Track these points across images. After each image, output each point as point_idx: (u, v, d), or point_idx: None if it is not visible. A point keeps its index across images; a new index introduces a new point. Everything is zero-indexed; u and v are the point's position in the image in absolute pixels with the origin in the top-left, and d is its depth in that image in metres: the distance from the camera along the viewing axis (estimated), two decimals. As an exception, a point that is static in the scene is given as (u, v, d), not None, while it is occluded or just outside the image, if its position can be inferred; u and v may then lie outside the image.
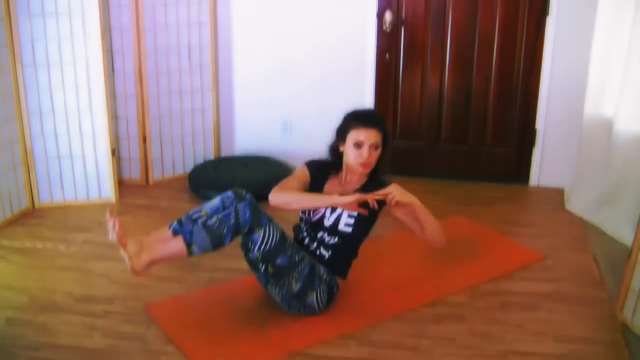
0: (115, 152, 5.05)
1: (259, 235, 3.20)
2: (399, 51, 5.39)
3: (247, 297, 3.67)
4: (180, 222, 3.29)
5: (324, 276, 3.39)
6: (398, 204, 3.34)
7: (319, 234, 3.50)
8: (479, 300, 3.67)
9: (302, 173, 3.58)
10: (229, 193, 3.32)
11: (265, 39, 5.59)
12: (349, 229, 3.46)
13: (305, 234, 3.55)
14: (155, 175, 5.47)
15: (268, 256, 3.23)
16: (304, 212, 3.57)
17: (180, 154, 5.57)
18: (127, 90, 5.25)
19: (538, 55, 5.13)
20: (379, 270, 3.93)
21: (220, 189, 4.86)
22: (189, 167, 5.60)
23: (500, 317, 3.50)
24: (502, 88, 5.30)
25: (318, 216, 3.50)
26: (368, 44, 5.39)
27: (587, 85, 4.72)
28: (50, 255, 4.20)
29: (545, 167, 5.36)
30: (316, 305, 3.40)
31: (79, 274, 3.96)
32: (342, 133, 3.49)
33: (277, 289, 3.34)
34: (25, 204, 4.83)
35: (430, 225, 3.48)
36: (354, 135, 3.41)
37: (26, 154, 4.78)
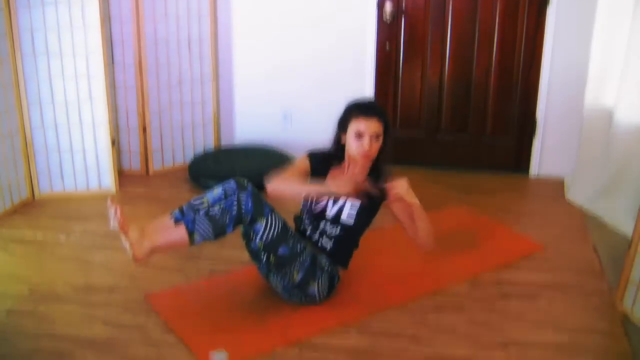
0: (115, 143, 5.05)
1: (261, 225, 3.20)
2: (399, 42, 5.38)
3: (247, 286, 3.67)
4: (181, 210, 3.29)
5: (326, 266, 3.39)
6: (398, 199, 3.35)
7: (321, 225, 3.50)
8: (479, 290, 3.67)
9: (302, 163, 3.58)
10: (231, 182, 3.32)
11: (266, 30, 5.59)
12: (351, 220, 3.46)
13: (307, 224, 3.55)
14: (155, 165, 5.47)
15: (270, 246, 3.22)
16: (306, 202, 3.57)
17: (180, 145, 5.57)
18: (127, 81, 5.24)
19: (538, 45, 5.13)
20: (380, 260, 3.93)
21: (220, 180, 4.86)
22: (189, 157, 5.60)
23: (500, 307, 3.51)
24: (502, 78, 5.29)
25: (320, 207, 3.50)
26: (368, 35, 5.38)
27: (588, 76, 4.72)
28: (51, 246, 4.20)
29: (546, 157, 5.36)
30: (317, 295, 3.41)
31: (79, 264, 3.96)
32: (343, 124, 3.49)
33: (278, 279, 3.34)
34: (25, 194, 4.83)
35: (425, 230, 3.46)
36: (355, 126, 3.41)
37: (26, 144, 4.78)
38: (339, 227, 3.47)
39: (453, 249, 4.09)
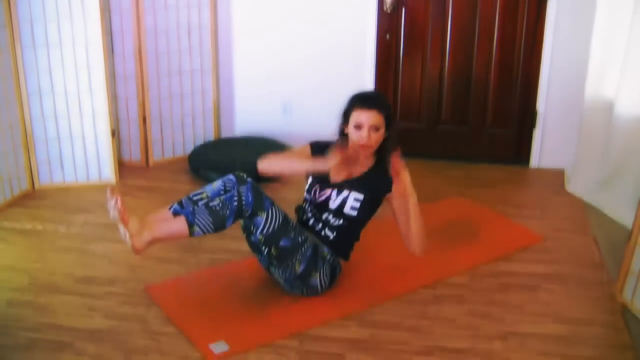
0: (115, 133, 5.04)
1: (261, 218, 3.20)
2: (399, 32, 5.37)
3: (247, 278, 3.68)
4: (180, 203, 3.30)
5: (327, 257, 3.40)
6: (402, 189, 3.34)
7: (324, 215, 3.50)
8: (478, 282, 3.68)
9: (302, 149, 3.60)
10: (230, 176, 3.33)
11: (266, 21, 5.57)
12: (354, 212, 3.46)
13: (310, 214, 3.55)
14: (155, 156, 5.46)
15: (271, 238, 3.22)
16: (309, 192, 3.58)
17: (180, 135, 5.57)
18: (127, 71, 5.23)
19: (539, 37, 5.12)
20: (380, 251, 3.93)
21: (220, 170, 4.87)
22: (189, 148, 5.59)
23: (500, 298, 3.51)
24: (503, 69, 5.28)
25: (324, 197, 3.50)
26: (368, 25, 5.37)
27: (588, 67, 4.71)
28: (51, 237, 4.20)
29: (546, 148, 5.36)
30: (319, 286, 3.41)
31: (79, 255, 3.96)
32: (346, 115, 3.49)
33: (280, 271, 3.34)
34: (25, 185, 4.83)
35: (417, 226, 3.43)
36: (355, 117, 3.41)
37: (26, 135, 4.77)
38: (342, 219, 3.47)
39: (453, 241, 4.10)
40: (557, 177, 5.18)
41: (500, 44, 5.22)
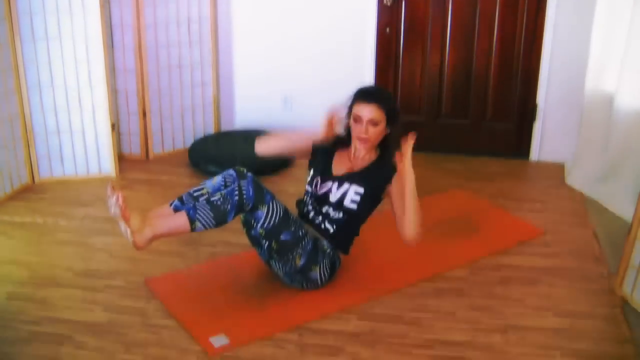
0: (115, 127, 5.04)
1: (262, 212, 3.19)
2: (399, 25, 5.36)
3: (247, 271, 3.68)
4: (181, 199, 3.30)
5: (327, 251, 3.40)
6: (402, 163, 3.34)
7: (324, 209, 3.50)
8: (479, 275, 3.68)
9: (302, 135, 3.66)
10: (230, 171, 3.34)
11: (266, 15, 5.56)
12: (354, 206, 3.45)
13: (310, 207, 3.55)
14: (155, 149, 5.46)
15: (272, 232, 3.22)
16: (310, 185, 3.58)
17: (180, 129, 5.56)
18: (127, 65, 5.23)
19: (539, 30, 5.10)
20: (379, 245, 3.93)
21: (220, 164, 4.88)
22: (189, 141, 5.59)
23: (500, 292, 3.51)
24: (503, 62, 5.27)
25: (324, 190, 3.50)
26: (368, 18, 5.36)
27: (588, 60, 4.70)
28: (51, 230, 4.20)
29: (546, 141, 5.35)
30: (319, 280, 3.41)
31: (80, 249, 3.96)
32: (349, 109, 3.49)
33: (280, 265, 3.34)
34: (25, 179, 4.83)
35: (411, 210, 3.37)
36: (355, 110, 3.42)
37: (26, 128, 4.77)
38: (341, 212, 3.47)
39: (453, 234, 4.10)
40: (557, 170, 5.18)
41: (501, 37, 5.21)
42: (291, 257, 3.29)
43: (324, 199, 3.50)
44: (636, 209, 3.31)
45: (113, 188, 3.04)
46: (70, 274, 3.66)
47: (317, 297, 3.42)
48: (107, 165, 5.03)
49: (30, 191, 4.78)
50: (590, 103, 4.73)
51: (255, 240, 3.35)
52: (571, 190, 4.83)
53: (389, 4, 5.27)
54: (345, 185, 3.46)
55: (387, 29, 5.35)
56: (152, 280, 3.59)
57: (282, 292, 3.44)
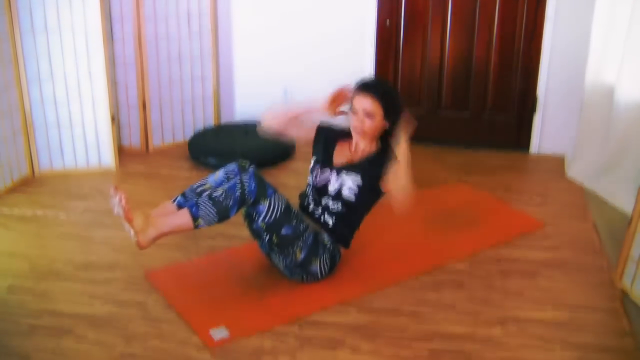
0: (114, 119, 5.04)
1: (264, 206, 3.20)
2: (399, 18, 5.35)
3: (247, 263, 3.68)
4: (184, 195, 3.31)
5: (328, 244, 3.40)
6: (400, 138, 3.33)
7: (324, 200, 3.50)
8: (478, 268, 3.68)
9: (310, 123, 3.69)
10: (232, 165, 3.35)
11: (266, 7, 5.56)
12: (352, 197, 3.45)
13: (310, 199, 3.56)
14: (155, 142, 5.46)
15: (273, 226, 3.23)
16: (312, 174, 3.59)
17: (180, 121, 5.56)
18: (127, 57, 5.22)
19: (539, 22, 5.10)
20: (379, 237, 3.93)
21: (220, 157, 4.88)
22: (189, 134, 5.59)
23: (499, 284, 3.51)
24: (503, 54, 5.27)
25: (323, 180, 3.50)
26: (369, 10, 5.35)
27: (589, 52, 4.69)
28: (51, 223, 4.20)
29: (546, 134, 5.35)
30: (319, 273, 3.42)
31: (80, 242, 3.97)
32: (351, 101, 3.50)
33: (280, 258, 3.35)
34: (25, 171, 4.83)
35: (402, 178, 3.29)
36: (353, 102, 3.43)
37: (26, 121, 4.76)
38: (340, 203, 3.46)
39: (453, 227, 4.10)
40: (557, 163, 5.18)
41: (501, 29, 5.21)
42: (292, 250, 3.29)
43: (323, 190, 3.50)
44: (636, 202, 3.31)
45: (116, 188, 3.04)
46: (71, 267, 3.66)
47: (317, 289, 3.42)
48: (107, 158, 5.03)
49: (30, 184, 4.78)
50: (590, 95, 4.73)
51: (256, 233, 3.35)
52: (571, 182, 4.83)
53: (389, -4, 5.27)
54: (344, 175, 3.46)
55: (388, 22, 5.35)
56: (152, 273, 3.59)
57: (282, 285, 3.45)
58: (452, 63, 5.38)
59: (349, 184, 3.45)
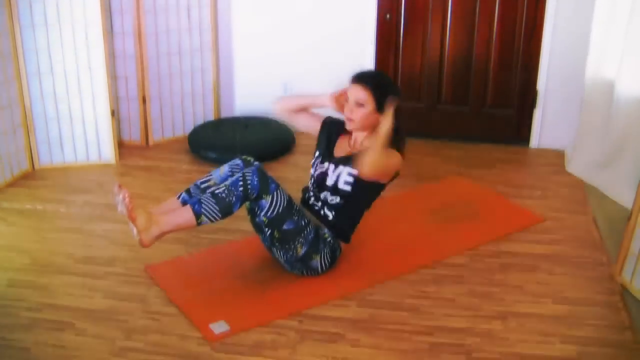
0: (114, 113, 5.03)
1: (266, 201, 3.21)
2: (400, 12, 5.34)
3: (247, 257, 3.69)
4: (188, 191, 3.33)
5: (328, 239, 3.41)
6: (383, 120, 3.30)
7: (323, 194, 3.50)
8: (478, 262, 3.68)
9: (318, 113, 3.72)
10: (237, 160, 3.37)
11: (266, 0, 5.54)
12: (348, 188, 3.43)
13: (311, 193, 3.57)
14: (155, 136, 5.45)
15: (275, 221, 3.24)
16: (313, 166, 3.60)
17: (180, 115, 5.55)
18: (126, 51, 5.21)
19: (540, 16, 5.08)
20: (379, 231, 3.93)
21: (220, 151, 4.88)
22: (189, 128, 5.58)
23: (499, 279, 3.52)
24: (503, 48, 5.26)
25: (322, 173, 3.50)
26: (369, 4, 5.33)
27: (589, 47, 4.68)
28: (51, 217, 4.21)
29: (546, 128, 5.34)
30: (320, 268, 3.43)
31: (80, 236, 3.97)
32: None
33: (281, 252, 3.36)
34: (25, 165, 4.82)
35: (373, 151, 3.22)
36: (348, 93, 3.45)
37: (26, 115, 4.76)
38: (338, 196, 3.46)
39: (453, 221, 4.10)
40: (557, 157, 5.18)
41: (501, 23, 5.19)
42: (293, 245, 3.30)
43: (322, 183, 3.50)
44: (636, 196, 3.31)
45: (120, 187, 3.05)
46: (71, 261, 3.67)
47: (317, 283, 3.43)
48: (107, 152, 5.02)
49: (30, 178, 4.78)
50: (590, 90, 4.72)
51: (258, 227, 3.36)
52: (571, 177, 4.82)
53: (389, -10, 5.26)
54: (340, 168, 3.46)
55: (388, 16, 5.34)
56: (153, 267, 3.59)
57: (282, 279, 3.45)
58: (453, 57, 5.37)
59: (344, 176, 3.44)
